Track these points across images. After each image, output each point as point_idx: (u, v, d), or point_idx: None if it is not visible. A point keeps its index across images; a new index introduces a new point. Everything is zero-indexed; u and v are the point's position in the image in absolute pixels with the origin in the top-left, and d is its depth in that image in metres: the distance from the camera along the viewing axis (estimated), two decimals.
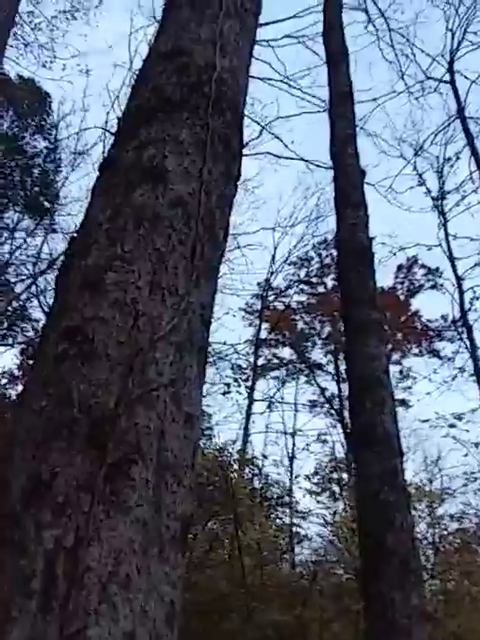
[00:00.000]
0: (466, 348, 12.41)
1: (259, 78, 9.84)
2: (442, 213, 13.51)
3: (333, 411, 16.74)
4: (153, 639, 1.13)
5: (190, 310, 1.60)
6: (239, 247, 14.65)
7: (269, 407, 16.50)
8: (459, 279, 12.65)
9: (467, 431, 11.54)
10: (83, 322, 1.43)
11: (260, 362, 16.82)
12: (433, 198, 13.66)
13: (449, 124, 12.79)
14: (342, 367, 16.32)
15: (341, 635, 7.82)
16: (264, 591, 7.34)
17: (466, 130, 12.26)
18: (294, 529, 10.75)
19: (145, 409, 1.33)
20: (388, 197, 11.52)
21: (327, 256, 17.92)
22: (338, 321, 15.95)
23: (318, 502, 10.73)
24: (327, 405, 17.10)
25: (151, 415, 1.33)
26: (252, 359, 16.14)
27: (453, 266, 12.92)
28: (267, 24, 9.58)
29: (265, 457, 12.96)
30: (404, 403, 16.82)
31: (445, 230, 13.15)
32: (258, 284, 17.75)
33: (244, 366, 16.01)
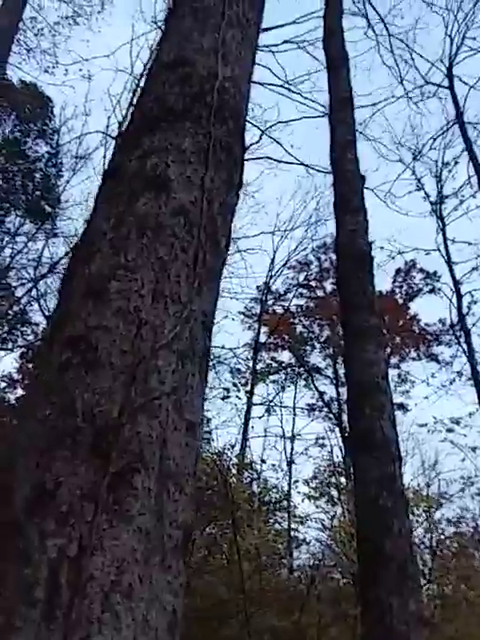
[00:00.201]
0: (464, 352, 12.45)
1: (259, 83, 9.87)
2: (440, 217, 13.57)
3: (331, 415, 16.75)
4: None
5: (192, 318, 1.61)
6: (239, 251, 14.67)
7: (268, 411, 16.49)
8: (457, 283, 12.70)
9: (464, 436, 11.55)
10: (87, 331, 1.44)
11: (259, 366, 16.83)
12: (431, 202, 13.72)
13: (448, 129, 12.88)
14: (341, 371, 16.35)
15: None
16: (262, 596, 7.33)
17: (465, 135, 12.33)
18: (292, 533, 10.75)
19: (148, 418, 1.34)
20: (387, 201, 11.56)
21: (326, 260, 18.00)
22: (337, 325, 15.98)
23: (317, 506, 10.72)
24: (325, 409, 17.11)
25: (153, 424, 1.34)
26: (251, 363, 16.14)
27: (451, 270, 12.97)
28: (267, 30, 9.61)
29: (264, 461, 12.96)
30: (402, 407, 16.85)
31: (443, 234, 13.22)
32: (257, 288, 17.79)
33: (243, 370, 16.02)
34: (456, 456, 12.50)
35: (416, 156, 13.47)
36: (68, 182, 13.07)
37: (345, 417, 14.04)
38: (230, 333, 21.14)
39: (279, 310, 18.24)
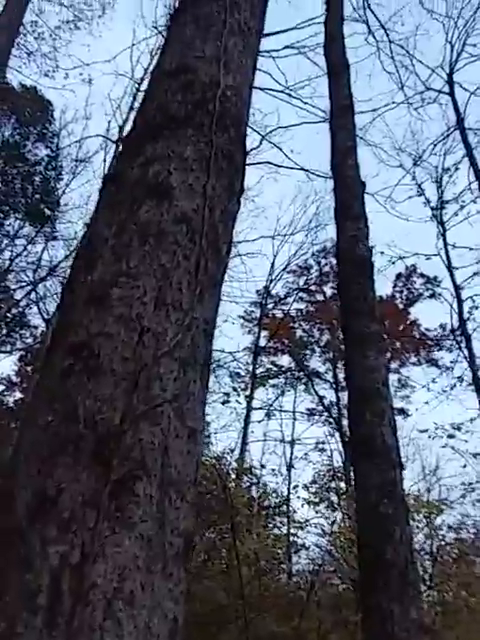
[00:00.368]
0: (465, 357, 12.42)
1: (260, 88, 9.91)
2: (441, 223, 13.57)
3: (331, 419, 16.72)
4: None
5: (194, 325, 1.62)
6: (239, 255, 14.70)
7: (268, 415, 16.48)
8: (458, 288, 12.68)
9: (466, 442, 11.54)
10: (89, 337, 1.45)
11: (259, 370, 16.82)
12: (432, 208, 13.73)
13: (448, 135, 12.90)
14: (340, 375, 16.34)
15: None
16: (262, 602, 7.31)
17: (465, 141, 12.36)
18: (292, 538, 10.72)
19: (150, 425, 1.35)
20: (387, 206, 11.59)
21: (326, 264, 18.01)
22: (337, 329, 15.99)
23: (316, 512, 10.70)
24: (325, 413, 17.09)
25: (155, 431, 1.35)
26: (251, 367, 16.13)
27: (452, 275, 12.97)
28: (268, 35, 9.65)
29: (263, 466, 12.93)
30: (403, 412, 16.82)
31: (444, 240, 13.21)
32: (257, 292, 17.81)
33: (243, 374, 16.01)
34: (457, 462, 12.48)
35: (416, 161, 13.50)
36: (68, 185, 13.14)
37: (345, 422, 14.03)
38: (230, 337, 21.14)
39: (279, 314, 18.25)
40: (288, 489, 12.56)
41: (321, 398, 17.19)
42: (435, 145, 13.04)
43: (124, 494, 1.22)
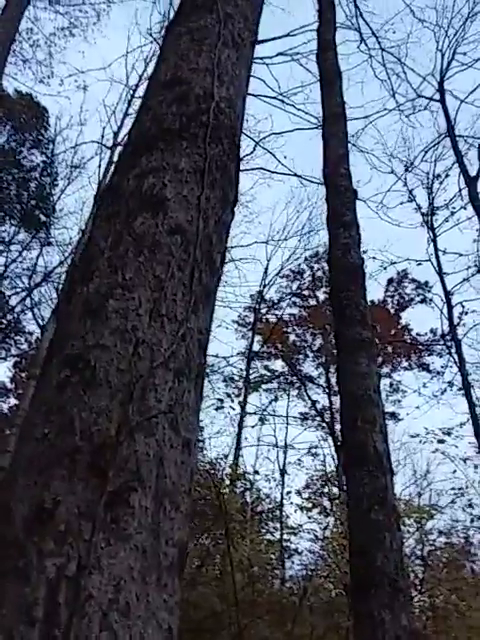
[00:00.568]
0: (455, 362, 12.52)
1: (253, 95, 9.97)
2: (432, 228, 13.69)
3: (324, 424, 16.76)
4: None
5: (188, 336, 1.64)
6: (233, 260, 14.74)
7: (261, 420, 16.47)
8: (448, 294, 12.79)
9: (456, 447, 11.61)
10: (85, 349, 1.46)
11: (253, 375, 16.84)
12: (423, 214, 13.86)
13: (439, 142, 13.06)
14: (333, 380, 16.39)
15: None
16: (255, 608, 7.30)
17: (455, 148, 12.50)
18: (285, 544, 10.71)
19: (145, 436, 1.36)
20: (379, 212, 11.68)
21: (319, 269, 18.09)
22: (329, 334, 16.05)
23: (309, 517, 10.71)
24: (318, 418, 17.12)
25: (150, 442, 1.36)
26: (244, 372, 16.15)
27: (442, 281, 13.07)
28: (262, 42, 9.72)
29: (256, 472, 12.92)
30: (394, 416, 16.91)
31: (434, 245, 13.33)
32: (251, 296, 17.85)
33: (236, 379, 16.01)
34: (447, 465, 12.56)
35: (408, 168, 13.63)
36: (63, 191, 13.15)
37: (337, 426, 14.06)
38: (223, 342, 21.14)
39: (272, 319, 18.30)
40: (281, 494, 12.58)
41: (314, 402, 17.23)
42: (426, 152, 13.20)
43: (120, 505, 1.23)
